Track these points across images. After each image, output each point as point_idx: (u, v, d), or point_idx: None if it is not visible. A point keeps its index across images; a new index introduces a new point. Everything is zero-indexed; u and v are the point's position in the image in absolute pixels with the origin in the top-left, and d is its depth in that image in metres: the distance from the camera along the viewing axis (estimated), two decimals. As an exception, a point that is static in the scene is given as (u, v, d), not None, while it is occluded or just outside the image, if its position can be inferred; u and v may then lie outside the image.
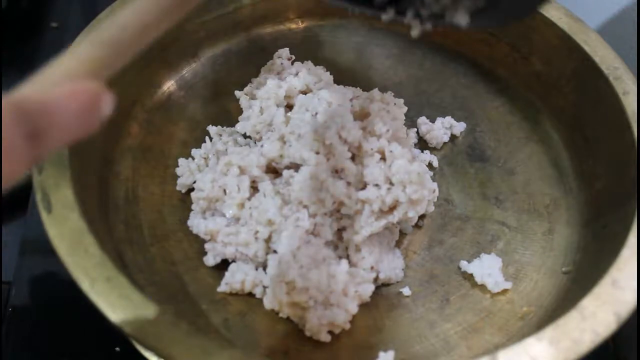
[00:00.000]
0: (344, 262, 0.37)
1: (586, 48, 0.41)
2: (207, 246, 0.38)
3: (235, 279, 0.37)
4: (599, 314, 0.29)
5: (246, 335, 0.35)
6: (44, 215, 0.31)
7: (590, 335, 0.29)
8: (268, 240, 0.38)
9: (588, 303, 0.30)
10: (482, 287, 0.38)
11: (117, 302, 0.28)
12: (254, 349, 0.34)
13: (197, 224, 0.39)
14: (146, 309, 0.28)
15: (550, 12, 0.43)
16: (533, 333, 0.29)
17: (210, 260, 0.38)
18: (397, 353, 0.34)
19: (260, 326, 0.36)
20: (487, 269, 0.38)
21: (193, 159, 0.43)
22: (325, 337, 0.35)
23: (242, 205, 0.39)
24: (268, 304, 0.36)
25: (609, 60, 0.40)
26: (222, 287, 0.37)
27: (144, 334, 0.28)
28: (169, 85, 0.46)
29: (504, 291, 0.38)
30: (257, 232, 0.38)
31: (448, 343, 0.36)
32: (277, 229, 0.37)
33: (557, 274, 0.37)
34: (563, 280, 0.37)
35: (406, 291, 0.38)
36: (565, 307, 0.31)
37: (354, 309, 0.36)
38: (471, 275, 0.38)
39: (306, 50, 0.49)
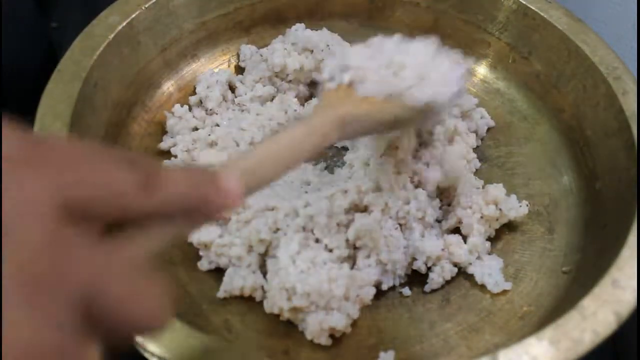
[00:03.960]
0: (345, 265, 0.36)
1: (585, 48, 0.41)
2: (201, 252, 0.38)
3: (234, 285, 0.36)
4: (599, 314, 0.29)
5: (246, 335, 0.35)
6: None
7: (590, 335, 0.29)
8: (264, 254, 0.37)
9: (588, 303, 0.30)
10: (482, 287, 0.38)
11: (117, 302, 0.28)
12: (254, 349, 0.34)
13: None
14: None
15: (550, 12, 0.43)
16: (533, 333, 0.29)
17: (204, 265, 0.38)
18: (397, 353, 0.34)
19: (260, 326, 0.36)
20: (487, 269, 0.38)
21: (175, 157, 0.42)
22: (327, 342, 0.35)
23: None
24: (268, 308, 0.35)
25: (608, 60, 0.40)
26: (221, 294, 0.37)
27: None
28: (169, 85, 0.46)
29: (504, 291, 0.37)
30: (250, 246, 0.37)
31: (448, 343, 0.36)
32: (271, 244, 0.37)
33: (557, 273, 0.37)
34: (563, 280, 0.37)
35: (406, 291, 0.38)
36: (565, 307, 0.31)
37: (355, 313, 0.35)
38: (471, 275, 0.38)
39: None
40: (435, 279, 0.38)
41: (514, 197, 0.40)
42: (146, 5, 0.42)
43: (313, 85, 0.46)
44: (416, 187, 0.39)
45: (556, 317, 0.30)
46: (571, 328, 0.29)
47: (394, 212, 0.38)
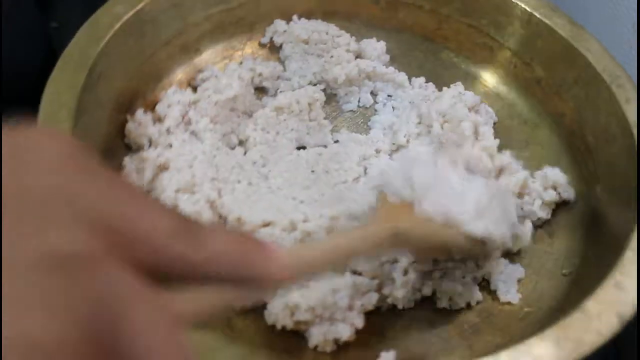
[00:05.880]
0: (347, 274, 0.35)
1: (588, 56, 0.41)
2: None
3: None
4: (602, 315, 0.30)
5: (247, 334, 0.35)
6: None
7: (593, 336, 0.29)
8: None
9: (591, 304, 0.30)
10: (485, 288, 0.38)
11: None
12: (255, 348, 0.34)
13: None
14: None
15: (553, 19, 0.44)
16: (534, 334, 0.29)
17: None
18: (398, 353, 0.34)
19: (262, 325, 0.35)
20: (504, 276, 0.38)
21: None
22: (331, 349, 0.34)
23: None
24: (270, 322, 0.34)
25: (611, 69, 0.40)
26: None
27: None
28: (171, 79, 0.45)
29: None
30: None
31: (449, 343, 0.36)
32: None
33: (557, 276, 0.38)
34: (563, 282, 0.37)
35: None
36: (566, 308, 0.31)
37: (360, 323, 0.34)
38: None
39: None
40: (461, 303, 0.37)
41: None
42: (152, -4, 0.41)
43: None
44: None
45: (558, 318, 0.30)
46: (575, 329, 0.29)
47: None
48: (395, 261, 0.36)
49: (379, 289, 0.36)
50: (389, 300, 0.36)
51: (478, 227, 0.32)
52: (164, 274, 0.16)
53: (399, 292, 0.36)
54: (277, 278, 0.20)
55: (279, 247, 0.21)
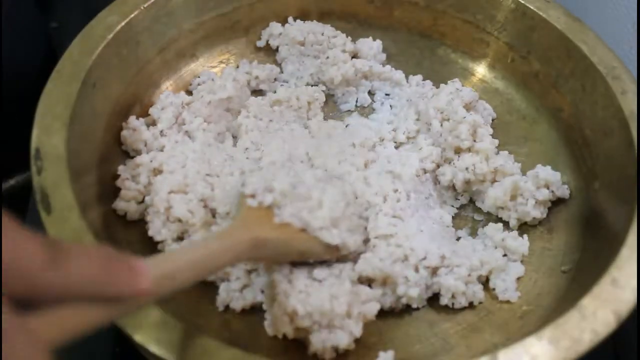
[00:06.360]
0: (346, 280, 0.35)
1: (584, 48, 0.41)
2: None
3: (233, 305, 0.36)
4: (598, 313, 0.29)
5: (246, 335, 0.35)
6: (43, 216, 0.31)
7: (590, 334, 0.29)
8: (251, 270, 0.37)
9: (588, 302, 0.30)
10: (483, 287, 0.38)
11: (117, 303, 0.28)
12: (254, 349, 0.34)
13: None
14: (146, 310, 0.28)
15: (548, 12, 0.43)
16: (533, 332, 0.29)
17: None
18: (397, 352, 0.34)
19: (260, 326, 0.36)
20: (504, 274, 0.37)
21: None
22: (330, 356, 0.34)
23: (207, 226, 0.37)
24: (270, 332, 0.34)
25: (607, 60, 0.40)
26: (221, 307, 0.36)
27: (143, 335, 0.28)
28: (167, 85, 0.46)
29: (504, 292, 0.37)
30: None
31: (448, 342, 0.36)
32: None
33: (557, 273, 0.37)
34: (562, 279, 0.37)
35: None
36: (565, 307, 0.31)
37: (358, 332, 0.34)
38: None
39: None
40: (463, 302, 0.37)
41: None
42: (145, 5, 0.42)
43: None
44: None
45: (556, 317, 0.30)
46: (571, 327, 0.29)
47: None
48: (405, 259, 0.36)
49: (393, 290, 0.36)
50: (404, 301, 0.36)
51: (333, 235, 0.34)
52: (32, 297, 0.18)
53: (414, 291, 0.36)
54: (143, 293, 0.23)
55: (142, 262, 0.23)
